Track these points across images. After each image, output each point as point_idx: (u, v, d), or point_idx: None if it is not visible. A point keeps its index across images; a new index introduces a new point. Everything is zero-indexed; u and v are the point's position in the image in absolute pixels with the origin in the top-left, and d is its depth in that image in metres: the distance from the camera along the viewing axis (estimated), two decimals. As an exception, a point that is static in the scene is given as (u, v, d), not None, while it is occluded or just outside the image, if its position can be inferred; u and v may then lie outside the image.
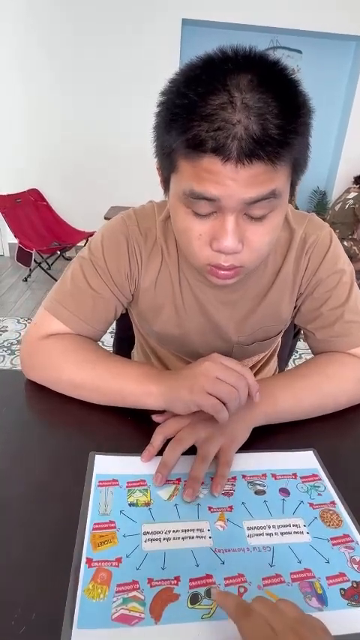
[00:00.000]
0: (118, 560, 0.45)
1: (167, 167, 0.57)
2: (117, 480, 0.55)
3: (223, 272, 0.59)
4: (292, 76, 0.51)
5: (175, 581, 0.43)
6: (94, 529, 0.48)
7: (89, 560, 0.45)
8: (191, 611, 0.41)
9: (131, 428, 0.65)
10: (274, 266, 0.75)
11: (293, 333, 1.16)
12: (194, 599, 0.42)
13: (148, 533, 0.48)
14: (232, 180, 0.50)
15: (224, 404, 0.56)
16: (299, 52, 3.98)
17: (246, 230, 0.55)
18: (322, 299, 0.75)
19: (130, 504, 0.52)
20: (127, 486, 0.55)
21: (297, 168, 0.56)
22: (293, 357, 2.41)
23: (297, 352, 2.53)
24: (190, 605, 0.41)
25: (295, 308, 0.80)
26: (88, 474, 0.55)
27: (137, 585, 0.43)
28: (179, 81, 0.51)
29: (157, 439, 0.60)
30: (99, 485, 0.54)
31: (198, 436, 0.59)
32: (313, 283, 0.75)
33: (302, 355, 2.53)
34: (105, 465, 0.57)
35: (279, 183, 0.53)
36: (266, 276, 0.75)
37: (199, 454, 0.57)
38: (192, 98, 0.48)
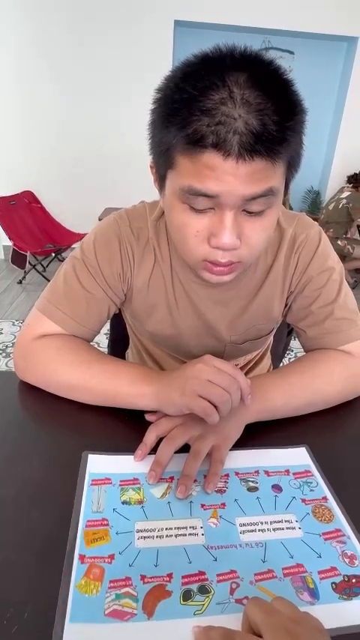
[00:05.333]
0: (111, 556, 0.45)
1: (164, 164, 0.56)
2: (110, 479, 0.55)
3: (218, 268, 0.59)
4: (287, 76, 0.52)
5: (168, 578, 0.44)
6: (87, 526, 0.48)
7: (82, 557, 0.45)
8: (183, 608, 0.41)
9: (124, 427, 0.65)
10: (264, 265, 0.75)
11: (287, 330, 1.17)
12: (187, 595, 0.42)
13: (141, 530, 0.49)
14: (232, 176, 0.50)
15: (216, 406, 0.56)
16: (291, 52, 4.01)
17: (244, 226, 0.56)
18: (312, 297, 0.75)
19: (123, 502, 0.52)
20: (120, 485, 0.55)
21: (292, 167, 0.56)
22: (288, 355, 2.42)
23: (292, 351, 2.54)
24: (182, 602, 0.41)
25: (285, 306, 0.80)
26: (80, 472, 0.56)
27: (130, 582, 0.43)
28: (176, 77, 0.51)
29: (150, 438, 0.60)
30: (92, 484, 0.54)
31: (191, 434, 0.59)
32: (303, 281, 0.75)
33: (297, 353, 2.53)
34: (98, 464, 0.57)
35: (276, 180, 0.53)
36: (257, 276, 0.75)
37: (191, 452, 0.57)
38: (191, 93, 0.48)
